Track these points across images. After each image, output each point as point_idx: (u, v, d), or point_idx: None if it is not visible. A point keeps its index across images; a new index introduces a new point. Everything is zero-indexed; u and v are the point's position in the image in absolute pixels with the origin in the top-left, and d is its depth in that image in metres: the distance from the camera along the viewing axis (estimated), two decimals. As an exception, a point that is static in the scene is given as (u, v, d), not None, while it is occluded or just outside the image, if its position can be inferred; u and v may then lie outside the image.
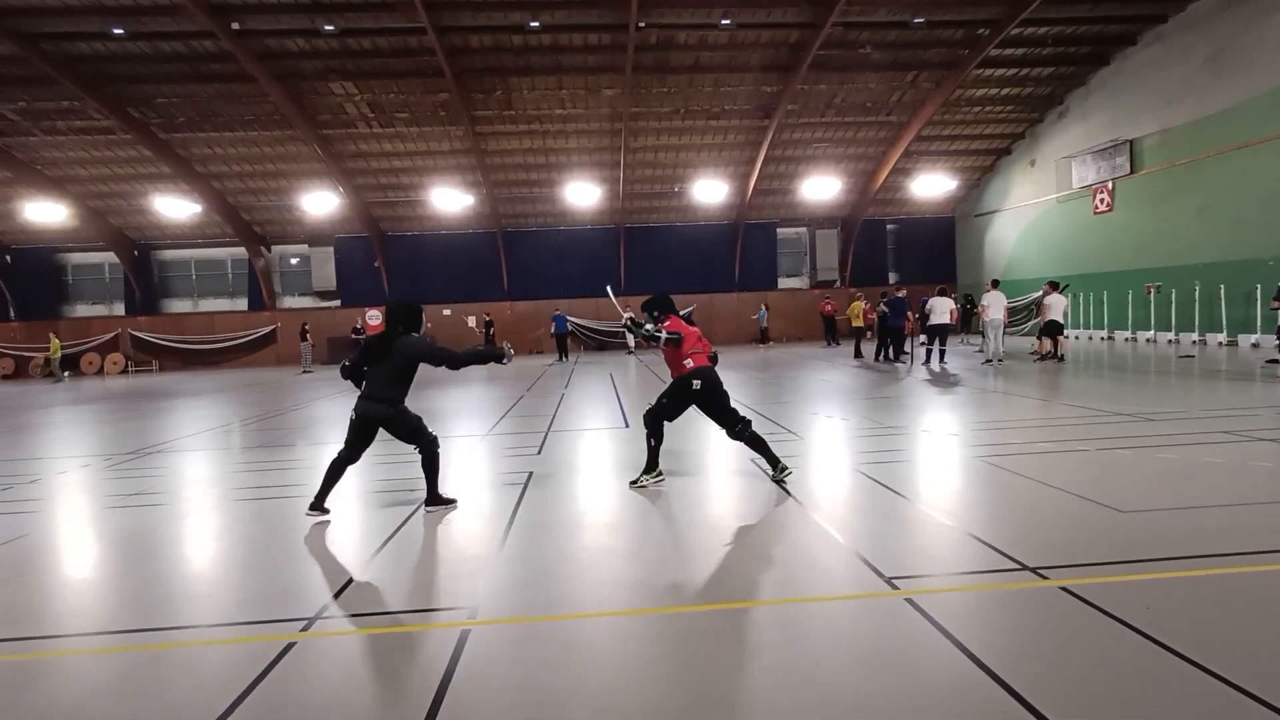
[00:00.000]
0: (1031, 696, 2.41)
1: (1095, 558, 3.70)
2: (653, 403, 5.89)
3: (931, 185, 26.44)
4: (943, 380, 12.51)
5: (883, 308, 17.02)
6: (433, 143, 23.87)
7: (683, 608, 3.38)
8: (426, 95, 21.58)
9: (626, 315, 6.27)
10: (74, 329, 27.35)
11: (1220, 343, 17.65)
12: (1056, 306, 15.10)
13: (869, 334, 18.94)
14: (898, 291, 17.57)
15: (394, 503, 5.47)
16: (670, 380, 5.81)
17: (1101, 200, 21.73)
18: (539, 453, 7.37)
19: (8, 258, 27.63)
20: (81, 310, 28.58)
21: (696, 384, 5.60)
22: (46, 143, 22.78)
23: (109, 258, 28.07)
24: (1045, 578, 3.46)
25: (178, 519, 5.45)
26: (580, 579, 3.88)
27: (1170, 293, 19.22)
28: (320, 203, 25.09)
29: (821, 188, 25.73)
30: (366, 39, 19.41)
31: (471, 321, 27.44)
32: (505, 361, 5.15)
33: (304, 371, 22.79)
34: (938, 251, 29.85)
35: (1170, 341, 19.02)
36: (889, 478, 5.62)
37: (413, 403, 5.24)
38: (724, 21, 18.98)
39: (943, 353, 15.24)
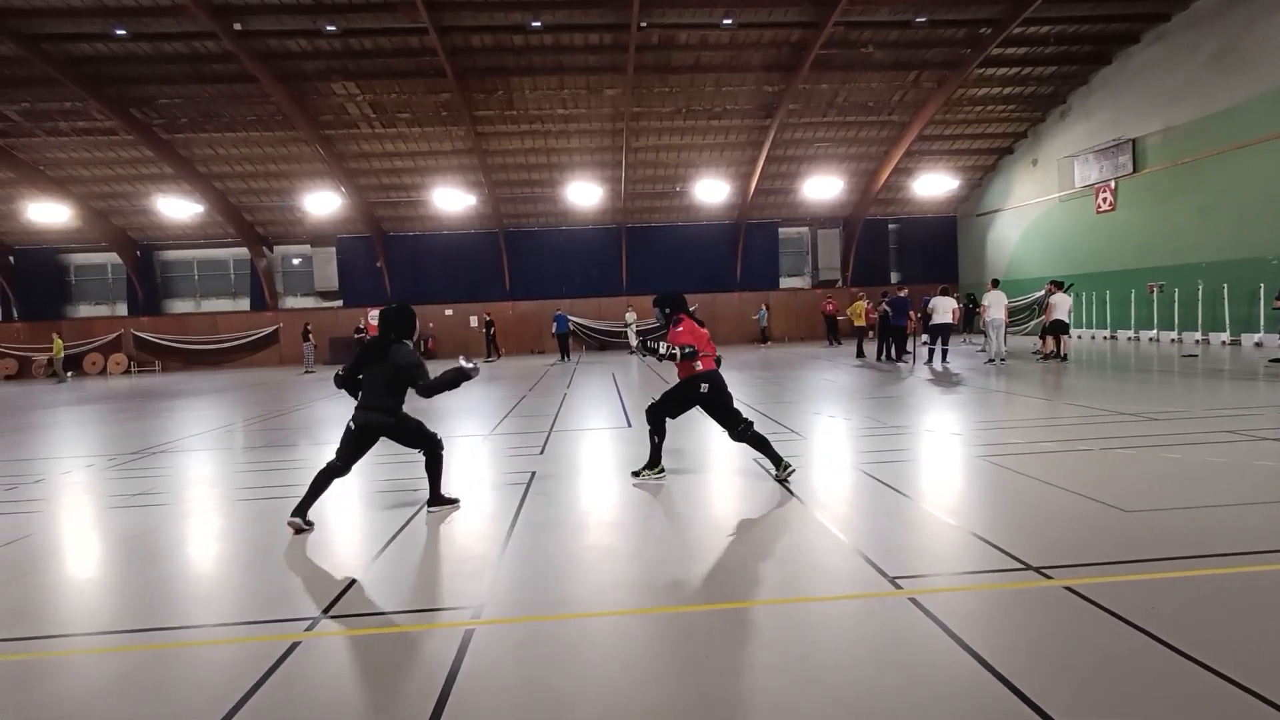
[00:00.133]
0: (1036, 696, 2.41)
1: (1099, 557, 3.70)
2: (657, 398, 5.90)
3: (933, 185, 26.41)
4: (945, 380, 12.49)
5: (884, 307, 17.01)
6: (434, 143, 23.88)
7: (686, 607, 3.38)
8: (428, 95, 21.59)
9: (638, 340, 6.28)
10: (77, 329, 27.41)
11: (1223, 342, 17.62)
12: (1061, 306, 15.10)
13: (870, 334, 18.93)
14: (899, 291, 17.56)
15: (396, 503, 5.47)
16: (676, 379, 5.82)
17: (1104, 199, 21.69)
18: (541, 452, 7.37)
19: (11, 258, 27.69)
20: (84, 311, 28.64)
21: (704, 387, 5.63)
22: (49, 143, 22.83)
23: (112, 258, 28.13)
24: (1049, 577, 3.45)
25: (181, 519, 5.46)
26: (583, 579, 3.88)
27: (1173, 292, 19.18)
28: (322, 203, 25.12)
29: (823, 187, 25.71)
30: (368, 39, 19.43)
31: (474, 321, 27.45)
32: (473, 374, 5.03)
33: (306, 372, 22.81)
34: (940, 251, 29.82)
35: (1173, 341, 18.99)
36: (892, 477, 5.61)
37: (414, 402, 5.24)
38: (725, 21, 18.98)
39: (945, 352, 15.23)
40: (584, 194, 25.53)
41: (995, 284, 15.73)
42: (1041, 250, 24.75)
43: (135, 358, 27.68)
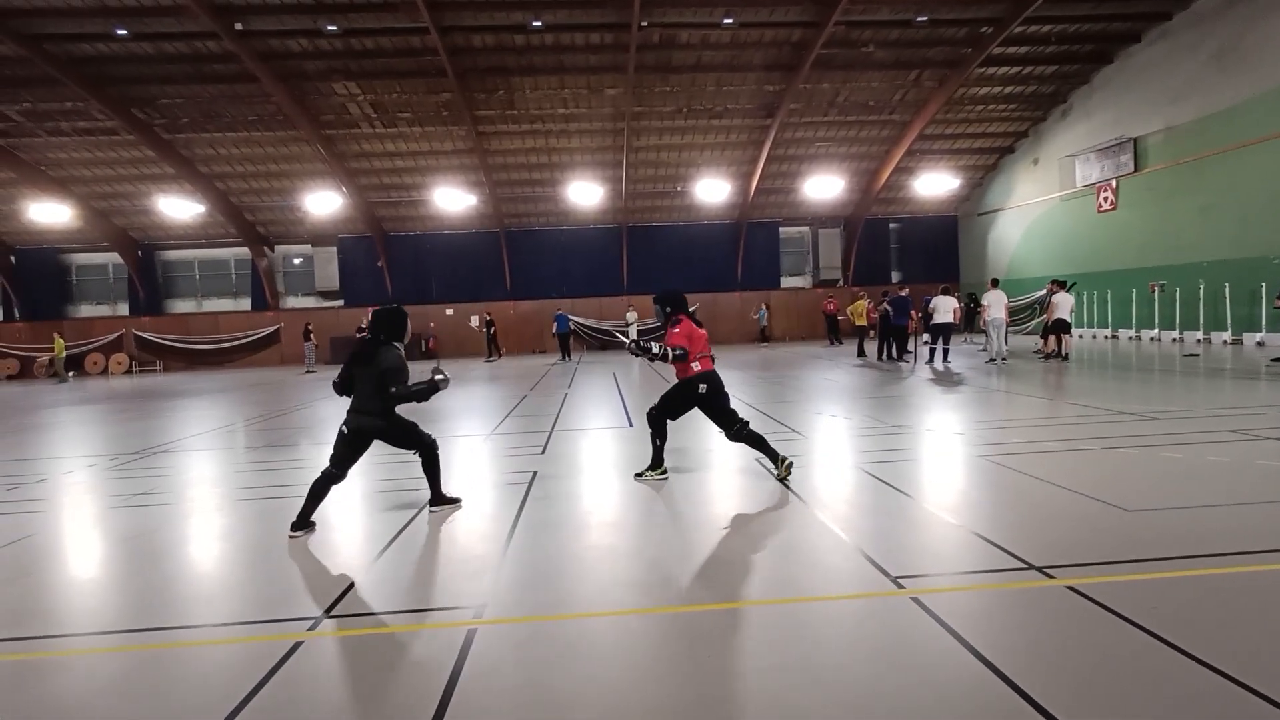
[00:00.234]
0: (1039, 695, 2.41)
1: (1101, 557, 3.70)
2: (656, 402, 5.91)
3: (934, 184, 26.40)
4: (946, 379, 12.49)
5: (885, 306, 17.01)
6: (435, 142, 23.89)
7: (688, 607, 3.38)
8: (429, 95, 21.60)
9: (632, 340, 6.28)
10: (78, 329, 27.43)
11: (1225, 341, 17.61)
12: (1064, 305, 15.11)
13: (871, 333, 18.92)
14: (900, 290, 17.56)
15: (397, 503, 5.48)
16: (675, 380, 5.82)
17: (1105, 199, 21.67)
18: (543, 452, 7.37)
19: (12, 258, 27.72)
20: (86, 311, 28.67)
21: (702, 388, 5.65)
22: (50, 144, 22.85)
23: (113, 258, 28.16)
24: (1051, 577, 3.45)
25: (183, 519, 5.46)
26: (585, 578, 3.88)
27: (1174, 291, 19.17)
28: (323, 203, 25.14)
29: (824, 187, 25.71)
30: (369, 39, 19.43)
31: (474, 321, 27.47)
32: (443, 387, 4.96)
33: (307, 371, 22.83)
34: (941, 250, 29.80)
35: (1174, 340, 18.97)
36: (893, 476, 5.61)
37: (415, 403, 5.22)
38: (726, 20, 18.97)
39: (946, 352, 15.22)
40: (585, 194, 25.54)
41: (995, 283, 15.72)
42: (1043, 250, 24.73)
43: (136, 358, 27.70)
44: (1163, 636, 2.78)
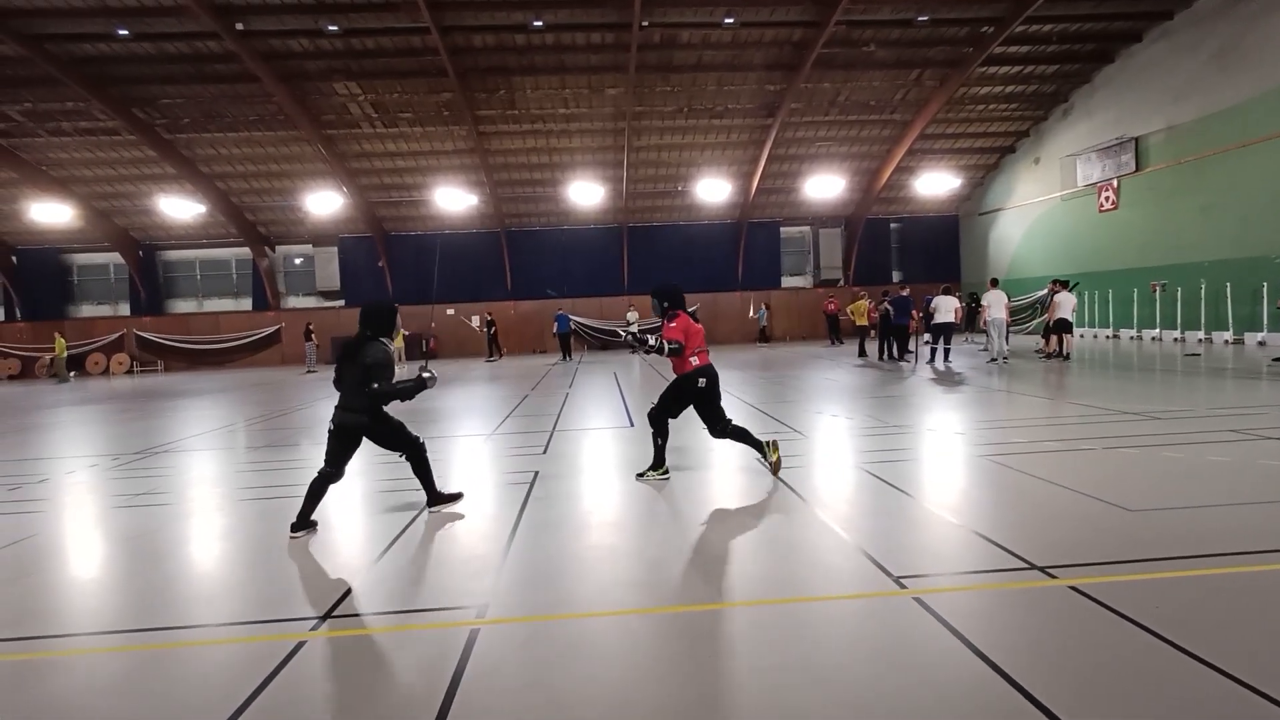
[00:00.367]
0: (1041, 695, 2.41)
1: (1103, 557, 3.70)
2: (655, 402, 5.91)
3: (935, 183, 26.39)
4: (947, 379, 12.49)
5: (886, 306, 17.01)
6: (436, 142, 23.89)
7: (689, 607, 3.38)
8: (430, 95, 21.60)
9: (628, 331, 6.29)
10: (79, 329, 27.45)
11: (1226, 341, 17.60)
12: (1065, 305, 15.11)
13: (872, 333, 18.92)
14: (901, 290, 17.56)
15: (399, 503, 5.48)
16: (673, 377, 5.83)
17: (1106, 198, 21.66)
18: (544, 452, 7.37)
19: (14, 258, 27.74)
20: (87, 310, 28.69)
21: (702, 382, 5.66)
22: (52, 144, 22.87)
23: (114, 258, 28.18)
24: (1054, 577, 3.45)
25: (184, 519, 5.47)
26: (587, 578, 3.88)
27: (1176, 291, 19.15)
28: (324, 203, 25.16)
29: (825, 186, 25.70)
30: (370, 39, 19.44)
31: (475, 321, 27.47)
32: (431, 385, 4.95)
33: (308, 371, 22.85)
34: (942, 250, 29.78)
35: (1176, 340, 18.96)
36: (895, 476, 5.61)
37: (415, 402, 5.22)
38: (727, 20, 18.97)
39: (947, 351, 15.22)
40: (585, 193, 25.54)
41: (995, 283, 15.72)
42: (1044, 249, 24.72)
43: (138, 358, 27.72)
44: (1165, 636, 2.78)
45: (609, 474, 6.31)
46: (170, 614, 3.58)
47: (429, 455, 5.20)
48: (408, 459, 5.07)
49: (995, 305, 14.76)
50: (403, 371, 15.66)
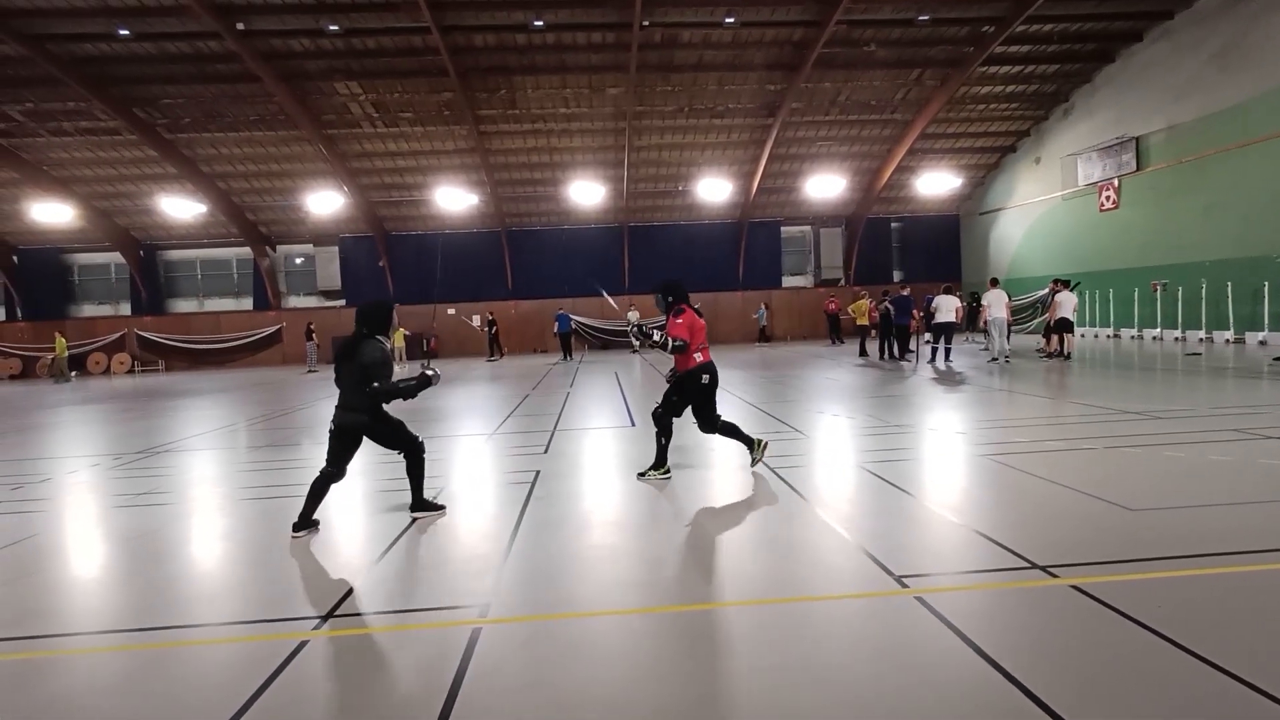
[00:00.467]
0: (1044, 694, 2.41)
1: (1105, 556, 3.70)
2: (660, 401, 5.91)
3: (936, 183, 26.37)
4: (948, 379, 12.48)
5: (886, 305, 17.00)
6: (437, 142, 23.89)
7: (691, 606, 3.38)
8: (431, 95, 21.60)
9: (634, 324, 6.32)
10: (81, 329, 27.46)
11: (1227, 340, 17.59)
12: (1067, 304, 15.11)
13: (873, 332, 18.93)
14: (902, 290, 17.55)
15: (400, 503, 5.47)
16: (675, 374, 5.84)
17: (1107, 198, 21.64)
18: (545, 451, 7.38)
19: (15, 258, 27.76)
20: (88, 310, 28.70)
21: (705, 379, 5.71)
22: (53, 143, 22.87)
23: (115, 258, 28.19)
24: (1055, 576, 3.45)
25: (186, 518, 5.47)
26: (588, 577, 3.88)
27: (1176, 290, 19.14)
28: (325, 202, 25.16)
29: (826, 186, 25.68)
30: (371, 39, 19.44)
31: (476, 321, 27.48)
32: (435, 382, 4.91)
33: (309, 371, 22.86)
34: (942, 250, 29.77)
35: (1177, 339, 18.95)
36: (896, 476, 5.61)
37: (417, 401, 5.22)
38: (728, 20, 18.96)
39: (948, 351, 15.21)
40: (586, 193, 25.54)
41: (995, 283, 15.71)
42: (1044, 249, 24.71)
43: (139, 357, 27.74)
44: (1167, 635, 2.78)
45: (610, 473, 6.31)
46: (172, 613, 3.59)
47: (426, 458, 5.17)
48: (404, 457, 5.03)
49: (996, 305, 14.75)
50: (403, 371, 15.67)
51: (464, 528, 4.83)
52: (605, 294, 7.11)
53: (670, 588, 3.64)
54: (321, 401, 13.35)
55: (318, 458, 5.27)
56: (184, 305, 29.00)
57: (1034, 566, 3.58)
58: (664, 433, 5.85)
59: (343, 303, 28.42)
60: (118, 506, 5.89)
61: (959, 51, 20.91)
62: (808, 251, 30.26)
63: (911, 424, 8.02)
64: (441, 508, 5.18)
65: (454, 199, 25.31)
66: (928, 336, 16.02)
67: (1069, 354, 15.02)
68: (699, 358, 5.70)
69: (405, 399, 4.80)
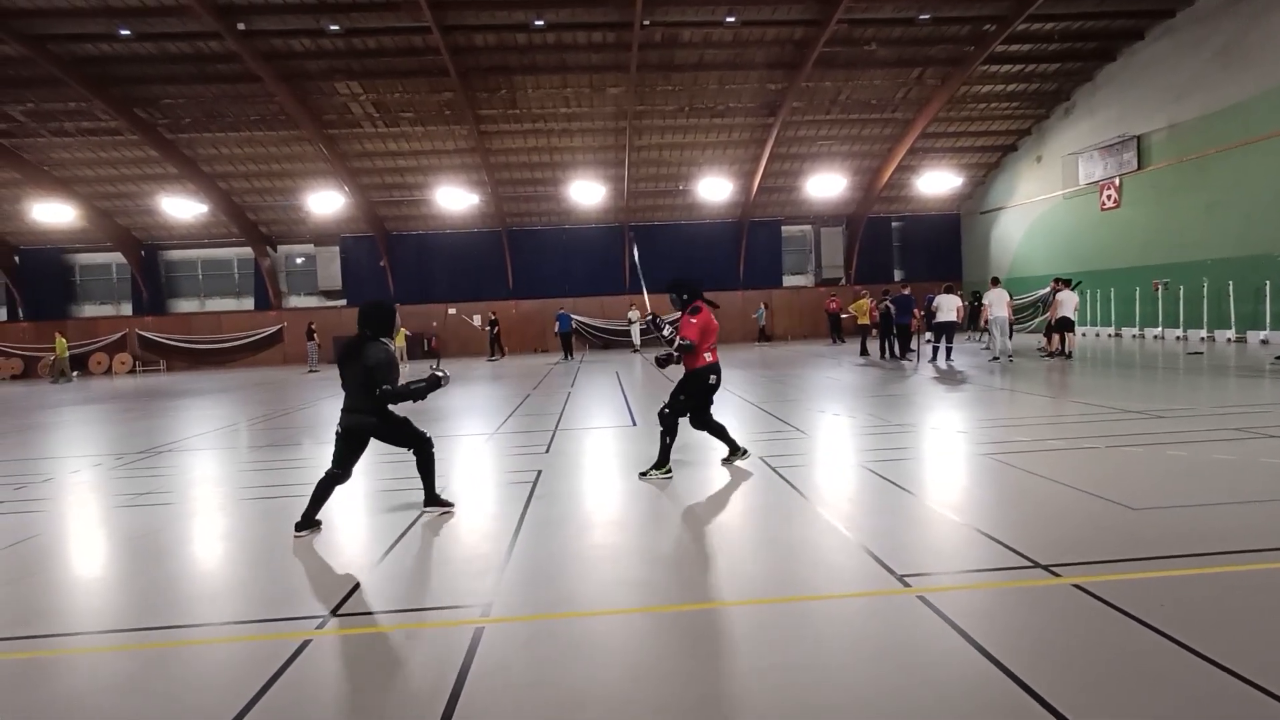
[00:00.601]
0: (1047, 694, 2.41)
1: (1107, 555, 3.69)
2: (668, 400, 5.93)
3: (937, 182, 26.34)
4: (950, 378, 12.48)
5: (887, 304, 16.99)
6: (437, 142, 23.90)
7: (692, 605, 3.38)
8: (431, 95, 21.60)
9: (651, 314, 6.33)
10: (82, 329, 27.48)
11: (1229, 339, 17.57)
12: (1068, 303, 15.09)
13: (874, 331, 18.92)
14: (903, 289, 17.53)
15: (402, 502, 5.48)
16: (683, 373, 5.91)
17: (1109, 196, 21.62)
18: (547, 451, 7.38)
19: (16, 258, 27.78)
20: (89, 310, 28.72)
21: (713, 379, 5.76)
22: (54, 144, 22.88)
23: (116, 258, 28.21)
24: (1057, 575, 3.45)
25: (188, 518, 5.48)
26: (590, 577, 3.89)
27: (1178, 289, 19.12)
28: (326, 202, 25.17)
29: (826, 185, 25.66)
30: (371, 39, 19.44)
31: (477, 320, 27.49)
32: (444, 384, 4.91)
33: (310, 371, 22.87)
34: (943, 249, 29.74)
35: (1178, 338, 18.93)
36: (897, 475, 5.61)
37: (419, 402, 5.19)
38: (728, 19, 18.95)
39: (949, 350, 15.20)
40: (587, 193, 25.53)
41: (996, 282, 15.70)
42: (1046, 248, 24.68)
43: (140, 357, 27.75)
44: (1170, 634, 2.78)
45: (612, 473, 6.31)
46: (174, 613, 3.59)
47: (434, 455, 5.16)
48: (414, 454, 5.03)
49: (997, 304, 14.74)
50: (407, 371, 15.68)
51: (466, 527, 4.84)
52: (645, 290, 7.28)
53: (671, 587, 3.64)
54: (323, 401, 13.36)
55: (319, 457, 5.30)
56: (185, 305, 29.02)
57: (1036, 565, 3.58)
58: (669, 432, 5.86)
59: (344, 303, 28.43)
60: (120, 506, 5.89)
61: (960, 50, 20.89)
62: (808, 251, 30.24)
63: (913, 423, 8.01)
64: (451, 505, 5.19)
65: (454, 199, 25.32)
66: (929, 336, 16.01)
67: (1070, 353, 15.01)
68: (708, 357, 5.74)
69: (414, 401, 4.80)
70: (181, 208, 25.11)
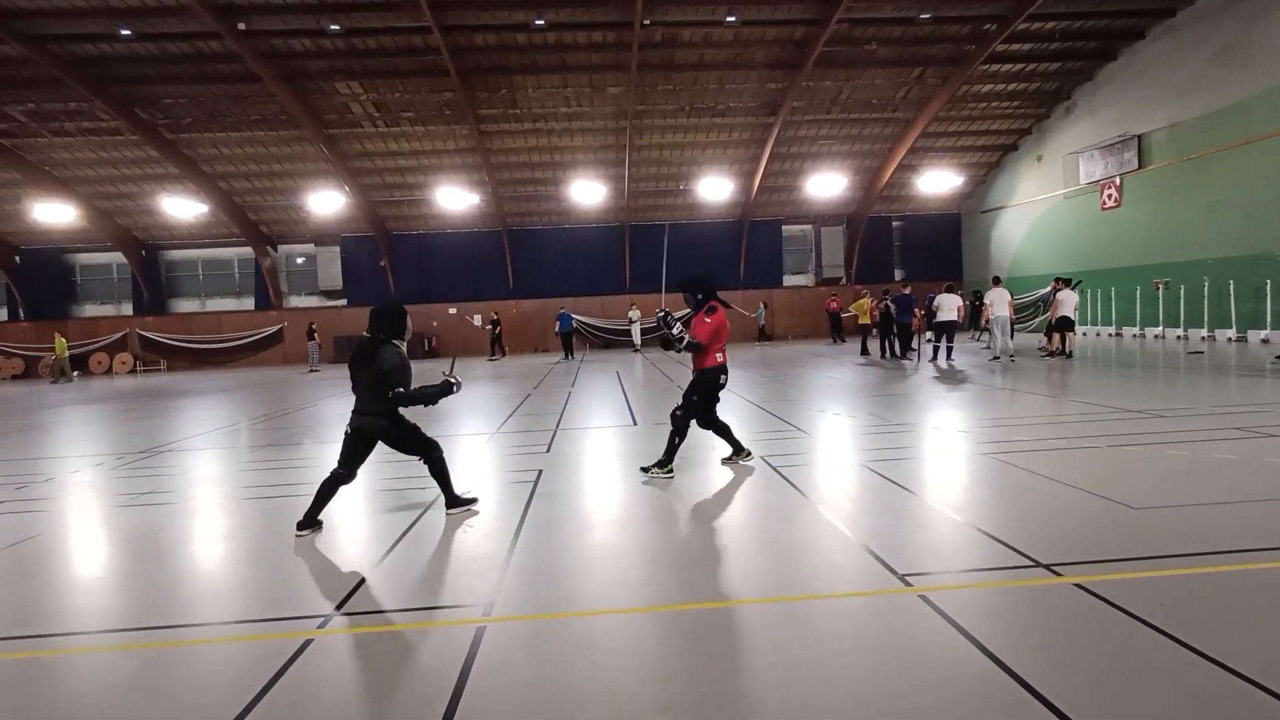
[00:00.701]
0: (1049, 693, 2.41)
1: (1108, 554, 3.69)
2: (681, 402, 5.94)
3: (937, 182, 26.33)
4: (950, 377, 12.47)
5: (887, 303, 16.98)
6: (438, 142, 23.90)
7: (694, 605, 3.38)
8: (431, 94, 21.60)
9: (663, 311, 6.32)
10: (83, 329, 27.50)
11: (1229, 339, 17.56)
12: (1068, 302, 15.09)
13: (874, 331, 18.91)
14: (904, 288, 17.53)
15: (404, 502, 5.49)
16: (692, 372, 5.98)
17: (1109, 196, 21.61)
18: (548, 450, 7.38)
19: (17, 258, 27.80)
20: (90, 310, 28.73)
21: (724, 379, 5.82)
22: (55, 144, 22.89)
23: (117, 258, 28.22)
24: (1059, 574, 3.45)
25: (189, 518, 5.48)
26: (591, 576, 3.89)
27: (1178, 288, 19.11)
28: (326, 202, 25.17)
29: (827, 185, 25.66)
30: (372, 39, 19.44)
31: (477, 320, 27.49)
32: (456, 390, 4.91)
33: (311, 370, 22.87)
34: (944, 248, 29.74)
35: (1179, 338, 18.92)
36: (898, 474, 5.61)
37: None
38: (729, 18, 18.94)
39: (950, 349, 15.20)
40: (587, 192, 25.53)
41: (997, 281, 15.70)
42: (1046, 247, 24.67)
43: (141, 357, 27.77)
44: (1170, 633, 2.78)
45: (613, 472, 6.31)
46: (176, 612, 3.59)
47: (444, 459, 5.12)
48: (424, 462, 4.99)
49: (998, 303, 14.75)
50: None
51: (467, 527, 4.84)
52: (664, 287, 7.40)
53: (672, 587, 3.64)
54: (323, 401, 13.37)
55: (319, 457, 5.30)
56: (185, 305, 29.02)
57: (1037, 565, 3.58)
58: (679, 433, 5.89)
59: (344, 302, 28.44)
60: (120, 506, 5.90)
61: (960, 50, 20.87)
62: (809, 250, 30.23)
63: (913, 422, 8.01)
64: (474, 501, 5.18)
65: (455, 198, 25.32)
66: (929, 335, 16.01)
67: (1071, 352, 15.01)
68: (719, 357, 5.78)
69: (426, 405, 4.82)
70: (182, 208, 25.12)
